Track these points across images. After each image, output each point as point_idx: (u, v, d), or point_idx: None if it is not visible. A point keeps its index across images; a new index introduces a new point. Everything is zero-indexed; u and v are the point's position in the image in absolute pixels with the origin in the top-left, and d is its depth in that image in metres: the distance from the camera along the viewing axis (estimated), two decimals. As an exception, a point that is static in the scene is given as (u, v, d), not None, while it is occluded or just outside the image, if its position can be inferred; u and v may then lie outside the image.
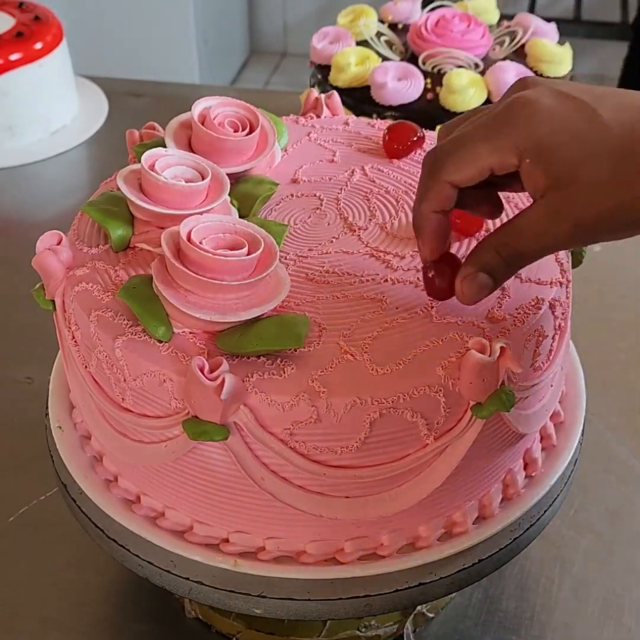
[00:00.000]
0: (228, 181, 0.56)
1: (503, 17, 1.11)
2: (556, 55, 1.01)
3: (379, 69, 0.99)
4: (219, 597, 0.53)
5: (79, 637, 0.65)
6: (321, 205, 0.61)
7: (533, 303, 0.52)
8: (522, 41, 1.03)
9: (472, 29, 1.01)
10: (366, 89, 0.99)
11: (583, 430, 0.62)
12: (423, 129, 0.66)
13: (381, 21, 1.10)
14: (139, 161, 0.56)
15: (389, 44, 1.05)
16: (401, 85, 0.97)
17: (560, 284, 0.54)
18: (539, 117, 0.45)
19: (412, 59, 1.02)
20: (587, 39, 2.52)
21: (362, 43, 1.05)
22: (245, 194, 0.59)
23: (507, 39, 1.04)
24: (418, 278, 0.54)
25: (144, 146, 0.60)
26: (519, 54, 1.03)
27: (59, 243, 0.56)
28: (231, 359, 0.48)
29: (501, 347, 0.48)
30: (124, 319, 0.51)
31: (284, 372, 0.48)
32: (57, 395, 0.63)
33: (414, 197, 0.53)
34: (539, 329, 0.52)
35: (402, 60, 1.03)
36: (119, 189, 0.56)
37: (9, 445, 0.78)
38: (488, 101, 0.97)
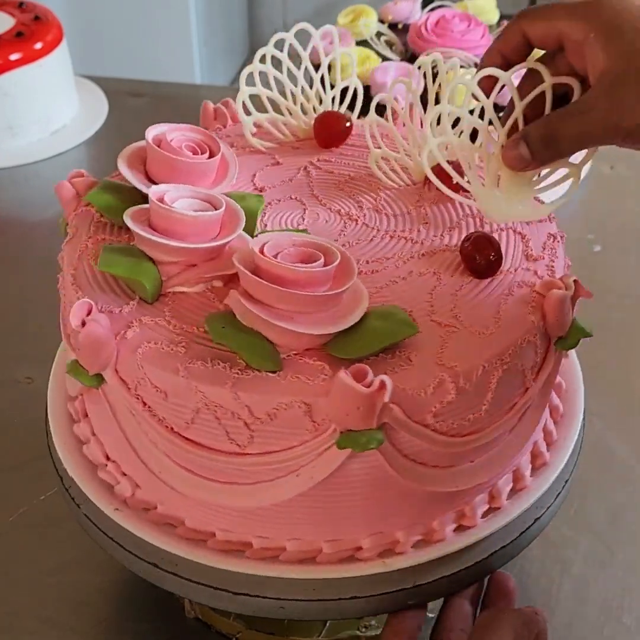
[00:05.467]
0: (239, 206, 0.55)
1: (503, 17, 1.11)
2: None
3: (379, 69, 0.99)
4: (373, 604, 0.52)
5: (79, 637, 0.65)
6: (305, 206, 0.61)
7: (552, 237, 0.58)
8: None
9: (472, 29, 1.01)
10: (366, 89, 0.99)
11: (583, 430, 0.62)
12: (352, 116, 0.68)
13: (381, 21, 1.10)
14: (101, 207, 0.57)
15: (389, 44, 1.06)
16: (401, 85, 0.97)
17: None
18: (617, 3, 0.48)
19: (412, 59, 1.02)
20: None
21: (362, 43, 1.05)
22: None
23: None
24: (446, 245, 0.57)
25: (97, 195, 0.58)
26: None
27: (89, 312, 0.51)
28: (348, 365, 0.47)
29: (574, 280, 0.53)
30: (219, 364, 0.48)
31: (411, 361, 0.49)
32: (56, 396, 0.63)
33: (376, 178, 0.62)
34: (566, 261, 0.57)
35: (402, 60, 1.03)
36: (102, 241, 0.56)
37: (9, 445, 0.78)
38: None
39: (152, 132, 0.58)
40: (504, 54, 0.53)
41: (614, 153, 1.15)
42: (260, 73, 0.65)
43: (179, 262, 0.53)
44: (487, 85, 0.53)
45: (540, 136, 0.50)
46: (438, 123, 0.62)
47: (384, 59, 1.03)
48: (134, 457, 0.54)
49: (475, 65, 1.00)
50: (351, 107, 0.69)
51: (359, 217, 0.60)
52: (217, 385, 0.48)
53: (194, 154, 0.58)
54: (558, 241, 0.58)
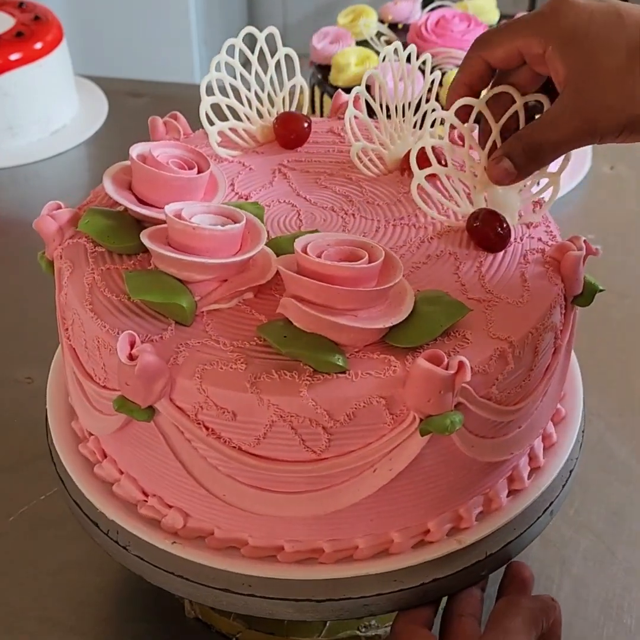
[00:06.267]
0: (256, 218, 0.55)
1: (503, 17, 1.11)
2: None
3: (378, 69, 0.99)
4: (456, 581, 0.54)
5: (79, 637, 0.65)
6: (296, 207, 0.61)
7: (537, 205, 0.59)
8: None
9: (472, 29, 1.01)
10: (366, 89, 0.99)
11: (583, 430, 0.62)
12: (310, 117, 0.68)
13: (381, 21, 1.10)
14: (99, 239, 0.55)
15: (389, 44, 1.05)
16: (401, 85, 0.97)
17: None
18: (569, 11, 0.50)
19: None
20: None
21: (362, 43, 1.05)
22: None
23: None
24: (448, 226, 0.58)
25: (89, 224, 0.56)
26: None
27: (133, 344, 0.48)
28: (417, 352, 0.49)
29: (585, 240, 0.55)
30: (286, 374, 0.48)
31: (468, 339, 0.50)
32: (56, 396, 0.63)
33: (352, 171, 0.64)
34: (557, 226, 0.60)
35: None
36: (108, 270, 0.54)
37: (9, 445, 0.78)
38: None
39: (136, 150, 0.56)
40: (470, 84, 0.55)
41: (614, 153, 1.15)
42: (217, 80, 0.65)
43: (212, 280, 0.52)
44: (463, 113, 0.56)
45: (521, 150, 0.53)
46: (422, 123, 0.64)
47: (384, 59, 1.02)
48: (188, 486, 0.52)
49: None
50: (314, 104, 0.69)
51: (354, 211, 0.61)
52: (291, 395, 0.47)
53: (181, 169, 0.57)
54: (542, 206, 0.60)
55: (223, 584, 0.53)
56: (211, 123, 0.65)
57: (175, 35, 2.39)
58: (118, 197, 0.56)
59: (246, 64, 0.65)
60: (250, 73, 0.67)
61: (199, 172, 0.57)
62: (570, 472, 0.60)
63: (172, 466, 0.52)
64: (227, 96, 0.65)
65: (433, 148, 0.57)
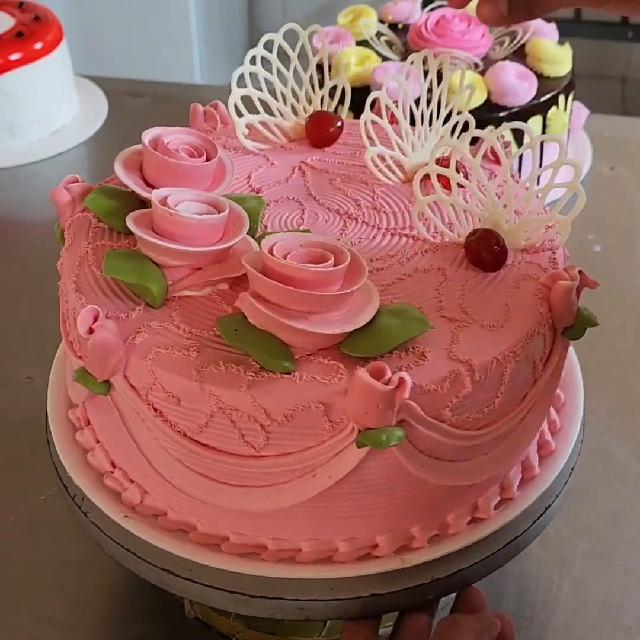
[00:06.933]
0: (242, 208, 0.55)
1: (503, 17, 1.11)
2: (556, 55, 1.01)
3: (379, 69, 0.99)
4: (396, 600, 0.53)
5: (79, 637, 0.65)
6: (303, 206, 0.61)
7: (556, 232, 0.57)
8: (522, 41, 1.03)
9: (472, 29, 1.01)
10: (366, 89, 0.99)
11: (582, 432, 0.62)
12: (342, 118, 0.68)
13: (381, 21, 1.10)
14: (99, 211, 0.56)
15: (389, 44, 1.05)
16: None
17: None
18: None
19: (412, 59, 1.02)
20: (587, 39, 2.51)
21: (362, 43, 1.05)
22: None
23: (507, 39, 1.04)
24: (447, 240, 0.57)
25: (95, 200, 0.58)
26: (519, 54, 1.03)
27: (96, 318, 0.50)
28: (366, 362, 0.48)
29: (579, 271, 0.53)
30: (233, 367, 0.48)
31: (425, 357, 0.49)
32: (56, 396, 0.63)
33: (370, 176, 0.62)
34: (565, 252, 0.58)
35: (402, 60, 1.03)
36: (102, 246, 0.56)
37: (9, 445, 0.78)
38: (488, 101, 0.97)
39: (148, 135, 0.58)
40: None
41: (614, 153, 1.15)
42: (251, 74, 0.65)
43: (185, 266, 0.53)
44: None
45: None
46: (431, 123, 0.63)
47: (384, 59, 1.03)
48: (144, 463, 0.53)
49: (476, 65, 1.00)
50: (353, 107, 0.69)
51: (358, 215, 0.60)
52: (232, 389, 0.47)
53: (191, 157, 0.58)
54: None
55: (166, 565, 0.53)
56: (240, 115, 0.65)
57: (175, 35, 2.39)
58: (126, 179, 0.57)
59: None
60: (288, 69, 0.67)
61: (208, 160, 0.58)
62: (547, 508, 0.57)
63: (128, 443, 0.53)
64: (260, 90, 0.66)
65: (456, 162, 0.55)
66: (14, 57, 1.15)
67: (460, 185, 0.56)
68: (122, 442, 0.54)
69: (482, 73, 0.99)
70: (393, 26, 1.09)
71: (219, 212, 0.53)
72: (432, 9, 1.05)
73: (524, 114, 0.98)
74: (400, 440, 0.47)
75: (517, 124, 0.55)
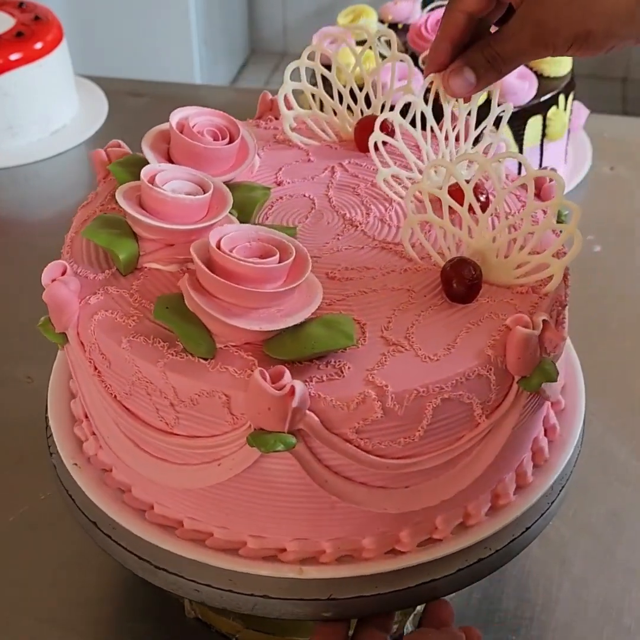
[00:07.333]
0: (230, 192, 0.56)
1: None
2: (556, 56, 1.01)
3: (383, 69, 0.98)
4: (286, 607, 0.52)
5: (79, 637, 0.65)
6: (314, 204, 0.61)
7: (548, 275, 0.54)
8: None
9: (472, 29, 1.01)
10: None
11: (583, 433, 0.62)
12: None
13: (381, 21, 1.10)
14: (119, 179, 0.57)
15: (389, 44, 1.05)
16: (401, 85, 0.97)
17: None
18: None
19: (412, 58, 1.02)
20: (587, 39, 2.52)
21: (362, 43, 1.05)
22: (242, 201, 0.58)
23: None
24: (434, 263, 0.55)
25: (121, 164, 0.60)
26: (519, 54, 1.03)
27: (63, 273, 0.53)
28: (282, 365, 0.47)
29: (543, 320, 0.50)
30: (159, 342, 0.50)
31: (342, 373, 0.48)
32: (56, 396, 0.63)
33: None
34: (559, 299, 0.54)
35: (402, 60, 1.03)
36: (111, 210, 0.57)
37: (9, 445, 0.78)
38: (488, 101, 0.97)
39: (177, 115, 0.59)
40: (452, 39, 0.56)
41: (614, 154, 1.15)
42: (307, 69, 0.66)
43: (158, 240, 0.54)
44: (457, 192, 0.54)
45: (483, 59, 0.55)
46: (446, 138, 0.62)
47: (384, 59, 1.02)
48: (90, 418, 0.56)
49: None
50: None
51: (361, 223, 0.60)
52: (149, 362, 0.49)
53: (214, 139, 0.59)
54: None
55: (113, 535, 0.55)
56: (290, 108, 0.66)
57: (175, 35, 2.39)
58: (149, 155, 0.58)
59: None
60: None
61: (230, 142, 0.59)
62: (484, 557, 0.54)
63: (84, 399, 0.56)
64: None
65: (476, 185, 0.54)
66: (14, 57, 1.15)
67: (451, 210, 0.54)
68: (84, 397, 0.57)
69: (482, 73, 0.99)
70: (393, 26, 1.09)
71: (204, 192, 0.55)
72: (432, 9, 1.05)
73: (524, 114, 0.98)
74: (289, 447, 0.47)
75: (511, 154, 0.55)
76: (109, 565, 0.66)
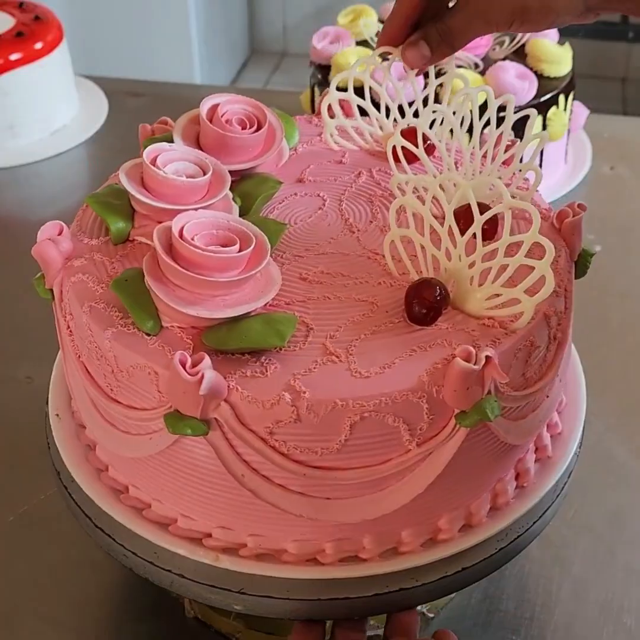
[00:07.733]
0: (229, 177, 0.57)
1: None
2: (556, 55, 1.01)
3: (379, 69, 0.98)
4: (199, 591, 0.53)
5: (79, 637, 0.65)
6: (324, 205, 0.61)
7: (518, 311, 0.50)
8: (522, 41, 1.03)
9: (472, 29, 1.01)
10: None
11: (582, 438, 0.62)
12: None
13: (381, 21, 1.10)
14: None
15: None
16: (401, 85, 0.97)
17: (557, 294, 0.53)
18: None
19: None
20: (587, 39, 2.52)
21: (362, 43, 1.05)
22: (248, 191, 0.59)
23: (507, 39, 1.04)
24: (411, 280, 0.53)
25: (153, 141, 0.60)
26: (519, 54, 1.03)
27: (60, 233, 0.56)
28: (216, 356, 0.49)
29: (487, 357, 0.47)
30: (116, 311, 0.52)
31: (267, 371, 0.48)
32: (56, 394, 0.63)
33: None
34: (531, 339, 0.51)
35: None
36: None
37: (9, 445, 0.78)
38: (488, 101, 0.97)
39: (207, 103, 0.60)
40: (406, 15, 0.61)
41: (614, 153, 1.15)
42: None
43: (149, 216, 0.56)
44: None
45: (436, 33, 0.60)
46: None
47: (384, 59, 1.02)
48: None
49: (476, 65, 1.00)
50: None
51: (359, 230, 0.59)
52: (100, 329, 0.51)
53: (243, 128, 0.60)
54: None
55: (105, 527, 0.56)
56: (333, 116, 0.66)
57: (175, 35, 2.39)
58: (177, 139, 0.59)
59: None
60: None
61: (257, 130, 0.60)
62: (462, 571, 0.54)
63: (65, 357, 0.58)
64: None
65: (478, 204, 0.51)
66: (14, 57, 1.15)
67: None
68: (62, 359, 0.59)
69: (482, 73, 0.99)
70: (393, 26, 1.09)
71: (204, 174, 0.56)
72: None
73: (523, 114, 0.97)
74: (197, 433, 0.48)
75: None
76: (109, 565, 0.66)
